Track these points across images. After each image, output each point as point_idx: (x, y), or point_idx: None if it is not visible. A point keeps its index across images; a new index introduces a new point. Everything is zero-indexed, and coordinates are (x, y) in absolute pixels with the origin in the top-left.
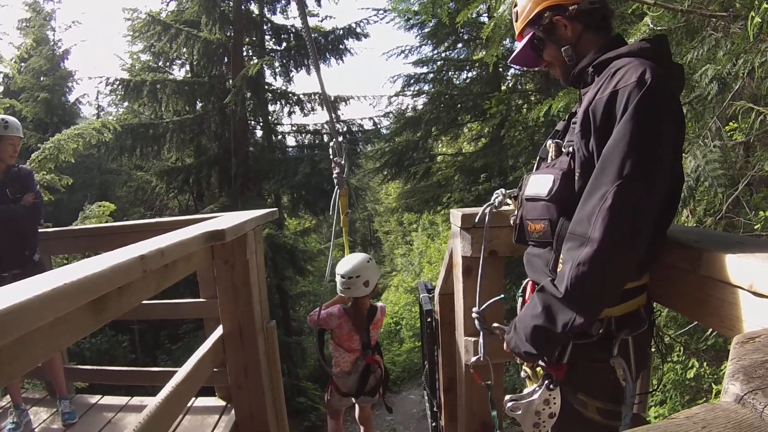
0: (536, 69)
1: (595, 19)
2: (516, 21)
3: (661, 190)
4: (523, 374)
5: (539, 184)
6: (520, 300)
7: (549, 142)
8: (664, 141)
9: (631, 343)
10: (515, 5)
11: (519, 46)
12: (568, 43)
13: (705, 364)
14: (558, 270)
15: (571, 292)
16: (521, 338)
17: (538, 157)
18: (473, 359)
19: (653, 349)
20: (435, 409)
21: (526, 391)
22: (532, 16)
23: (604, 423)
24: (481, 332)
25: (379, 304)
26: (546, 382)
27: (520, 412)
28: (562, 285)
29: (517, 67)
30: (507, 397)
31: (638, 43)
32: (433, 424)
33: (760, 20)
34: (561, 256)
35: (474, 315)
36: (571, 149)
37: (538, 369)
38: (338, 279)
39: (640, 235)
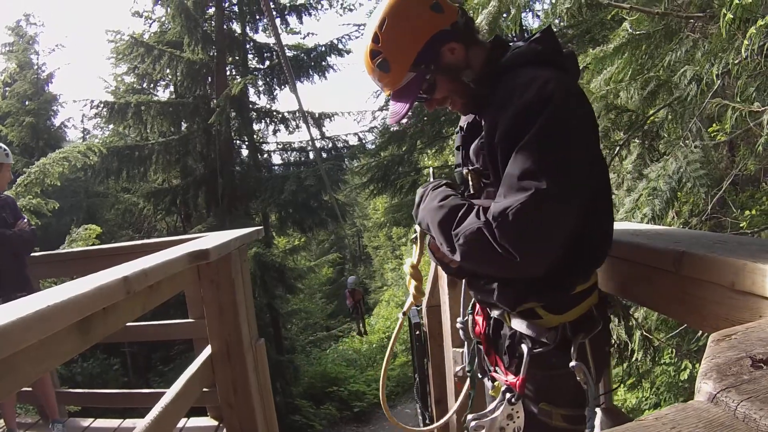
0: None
1: (469, 33)
2: (385, 77)
3: (574, 201)
4: (488, 386)
5: None
6: (470, 317)
7: (465, 170)
8: (574, 154)
9: (588, 345)
10: (371, 60)
11: (398, 106)
12: (466, 67)
13: (698, 365)
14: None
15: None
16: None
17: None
18: (458, 369)
19: (611, 348)
20: (427, 421)
21: (488, 407)
22: (415, 57)
23: (570, 429)
24: (466, 342)
25: None
26: (507, 396)
27: (484, 430)
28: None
29: (399, 124)
30: (470, 416)
31: (527, 46)
32: None
33: (731, 16)
34: None
35: (458, 326)
36: (486, 180)
37: (497, 383)
38: None
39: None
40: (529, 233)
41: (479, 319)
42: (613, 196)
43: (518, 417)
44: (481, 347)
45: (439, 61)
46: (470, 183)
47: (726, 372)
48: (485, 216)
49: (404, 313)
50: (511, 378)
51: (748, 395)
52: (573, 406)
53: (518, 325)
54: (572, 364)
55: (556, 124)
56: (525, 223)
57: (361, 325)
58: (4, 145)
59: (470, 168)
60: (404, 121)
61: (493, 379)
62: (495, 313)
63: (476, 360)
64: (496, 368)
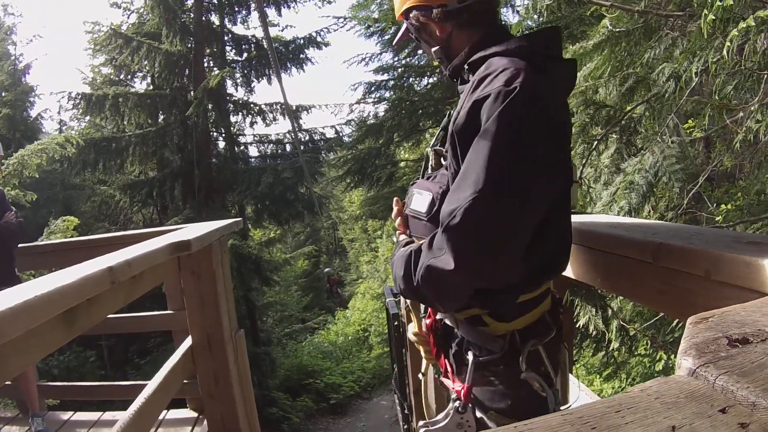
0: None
1: (467, 18)
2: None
3: (527, 205)
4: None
5: (420, 200)
6: (423, 320)
7: (428, 150)
8: (529, 154)
9: (543, 350)
10: None
11: (400, 30)
12: (438, 44)
13: (672, 356)
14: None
15: (420, 285)
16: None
17: (423, 163)
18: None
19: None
20: (406, 411)
21: (438, 415)
22: (403, 9)
23: None
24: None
25: None
26: (455, 405)
27: None
28: (415, 275)
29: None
30: (420, 423)
31: (517, 39)
32: (405, 427)
33: (713, 17)
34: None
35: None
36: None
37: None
38: None
39: (490, 255)
40: (477, 236)
41: (427, 321)
42: (591, 190)
43: (469, 426)
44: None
45: (419, 27)
46: (430, 163)
47: (704, 350)
48: (428, 243)
49: (423, 373)
50: (458, 386)
51: (725, 370)
52: (528, 413)
53: (464, 331)
54: (523, 375)
55: (513, 120)
56: (473, 225)
57: (338, 302)
58: None
59: (432, 147)
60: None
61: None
62: (443, 317)
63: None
64: (447, 373)
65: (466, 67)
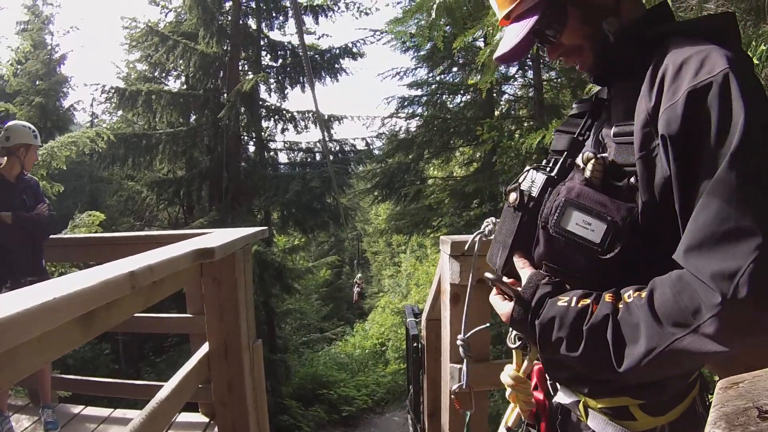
0: (530, 79)
1: None
2: None
3: None
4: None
5: (585, 222)
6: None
7: (589, 154)
8: None
9: None
10: None
11: (511, 34)
12: (610, 13)
13: None
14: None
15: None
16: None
17: (552, 155)
18: (455, 386)
19: None
20: None
21: None
22: None
23: None
24: (465, 360)
25: None
26: None
27: None
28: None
29: (504, 64)
30: None
31: (699, 20)
32: None
33: (757, 62)
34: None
35: (459, 342)
36: (632, 181)
37: None
38: None
39: None
40: (763, 307)
41: (539, 395)
42: None
43: None
44: None
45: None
46: (587, 171)
47: (734, 422)
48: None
49: (509, 429)
50: None
51: None
52: None
53: (599, 425)
54: None
55: (764, 124)
56: (761, 295)
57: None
58: (32, 126)
59: (599, 155)
60: (514, 61)
61: None
62: (564, 400)
63: None
64: None
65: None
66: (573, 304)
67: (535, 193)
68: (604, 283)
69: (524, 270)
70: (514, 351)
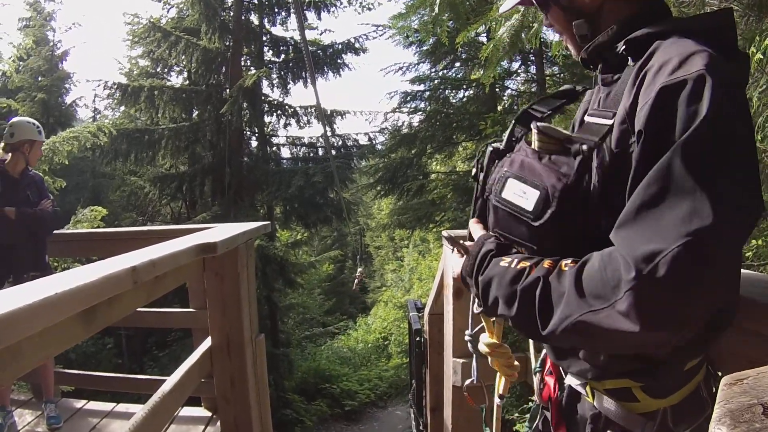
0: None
1: None
2: None
3: (742, 238)
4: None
5: (520, 191)
6: (537, 376)
7: (538, 123)
8: (751, 165)
9: None
10: None
11: None
12: (583, 16)
13: None
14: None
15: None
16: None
17: (510, 131)
18: (467, 382)
19: None
20: (421, 428)
21: None
22: None
23: None
24: (474, 355)
25: None
26: None
27: None
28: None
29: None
30: None
31: (693, 19)
32: None
33: (761, 56)
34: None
35: (467, 338)
36: (584, 147)
37: None
38: None
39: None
40: (688, 294)
41: (550, 380)
42: None
43: None
44: (547, 414)
45: None
46: (533, 140)
47: (739, 419)
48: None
49: (501, 396)
50: None
51: None
52: None
53: (605, 406)
54: None
55: (725, 124)
56: (685, 280)
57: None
58: (36, 122)
59: (541, 126)
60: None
61: None
62: (574, 383)
63: (536, 423)
64: None
65: (621, 46)
66: (513, 265)
67: (483, 165)
68: (546, 254)
69: (476, 231)
70: (482, 318)
